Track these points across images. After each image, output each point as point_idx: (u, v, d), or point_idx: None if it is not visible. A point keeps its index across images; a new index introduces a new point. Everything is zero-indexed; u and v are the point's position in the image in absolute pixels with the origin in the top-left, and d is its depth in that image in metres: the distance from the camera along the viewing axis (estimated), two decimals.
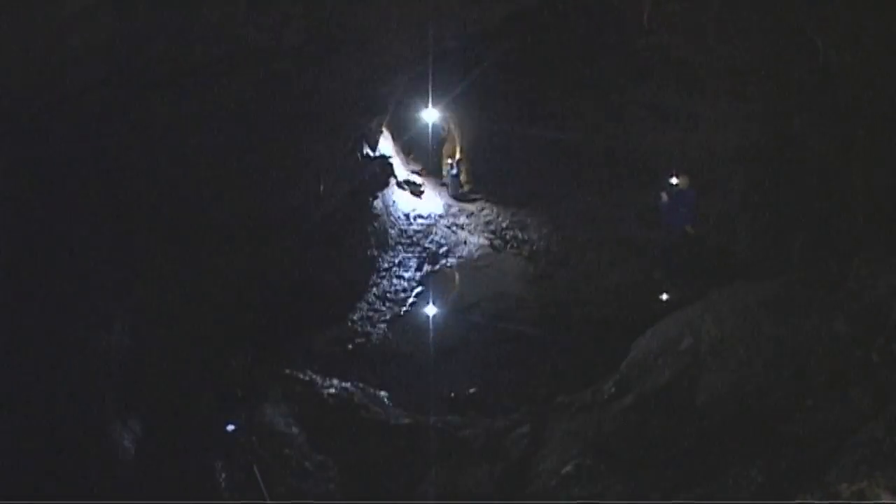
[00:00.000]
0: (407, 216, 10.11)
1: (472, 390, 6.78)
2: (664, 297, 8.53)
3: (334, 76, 6.06)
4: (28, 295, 4.21)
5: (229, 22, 4.59)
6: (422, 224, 10.18)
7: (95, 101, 4.37)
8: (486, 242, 10.30)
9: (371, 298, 8.43)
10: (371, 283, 8.62)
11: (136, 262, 5.69)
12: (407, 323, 8.25)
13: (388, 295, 8.60)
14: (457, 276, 9.43)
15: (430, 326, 8.14)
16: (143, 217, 5.70)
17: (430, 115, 11.30)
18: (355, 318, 8.02)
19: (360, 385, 6.68)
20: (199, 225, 6.13)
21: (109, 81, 4.33)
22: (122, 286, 4.96)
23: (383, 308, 8.35)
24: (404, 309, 8.50)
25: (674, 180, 9.88)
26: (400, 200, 10.23)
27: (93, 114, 4.42)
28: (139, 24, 4.12)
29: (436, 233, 10.11)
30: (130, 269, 5.53)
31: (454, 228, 10.36)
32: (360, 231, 8.65)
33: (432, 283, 9.12)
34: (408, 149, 11.86)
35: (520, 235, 10.49)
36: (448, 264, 9.66)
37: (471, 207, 11.08)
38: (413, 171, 11.43)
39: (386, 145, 9.78)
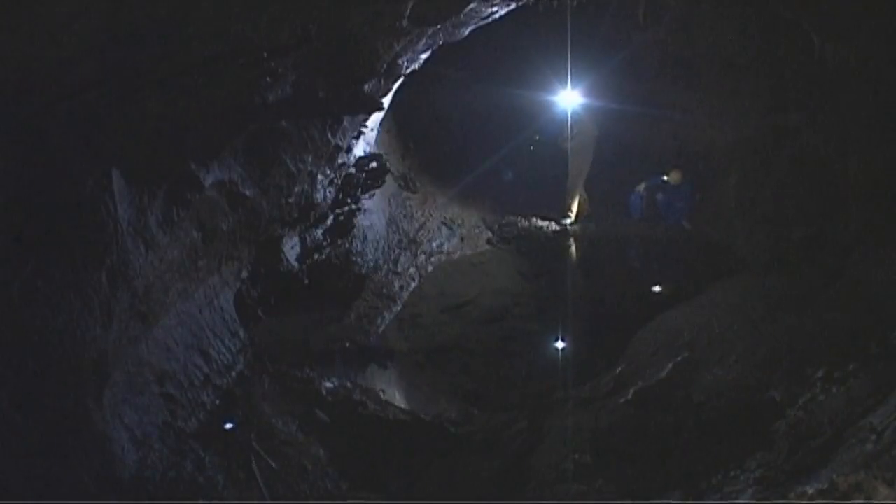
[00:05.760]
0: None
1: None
2: (657, 288, 8.57)
3: (330, 75, 6.06)
4: (25, 292, 4.20)
5: (225, 19, 4.58)
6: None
7: (91, 102, 4.36)
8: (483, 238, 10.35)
9: (369, 297, 8.44)
10: (368, 281, 8.62)
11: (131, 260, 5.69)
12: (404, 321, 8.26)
13: (384, 292, 8.61)
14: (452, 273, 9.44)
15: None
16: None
17: None
18: (353, 316, 8.03)
19: (358, 382, 6.70)
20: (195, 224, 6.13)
21: (105, 81, 4.32)
22: (119, 284, 4.94)
23: (380, 306, 8.36)
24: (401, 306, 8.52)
25: (671, 176, 9.94)
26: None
27: (88, 115, 4.41)
28: (134, 23, 4.11)
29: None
30: (127, 268, 5.51)
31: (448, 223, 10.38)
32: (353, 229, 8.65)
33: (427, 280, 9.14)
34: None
35: (516, 231, 10.52)
36: (442, 260, 9.68)
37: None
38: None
39: (384, 143, 9.82)
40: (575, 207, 10.76)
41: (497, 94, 11.11)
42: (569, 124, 10.53)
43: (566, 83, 10.22)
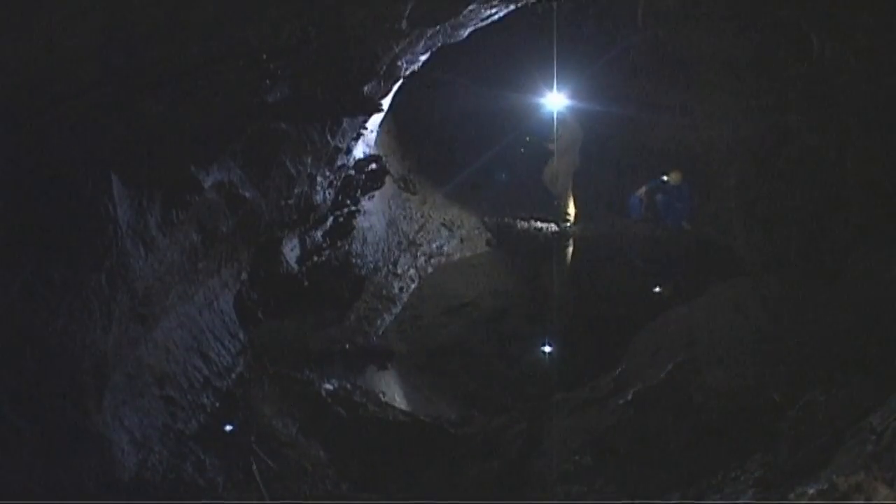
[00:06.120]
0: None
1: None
2: (657, 289, 8.57)
3: (329, 77, 6.06)
4: (25, 294, 4.20)
5: (224, 21, 4.58)
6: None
7: (90, 104, 4.37)
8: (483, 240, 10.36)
9: (368, 298, 8.43)
10: (368, 282, 8.62)
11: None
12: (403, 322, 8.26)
13: (384, 294, 8.61)
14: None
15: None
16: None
17: None
18: (352, 317, 8.02)
19: (358, 384, 6.70)
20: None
21: (104, 83, 4.32)
22: (119, 287, 4.95)
23: (380, 307, 8.36)
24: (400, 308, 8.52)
25: (671, 176, 9.93)
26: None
27: (88, 116, 4.41)
28: (133, 25, 4.11)
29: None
30: (127, 270, 5.51)
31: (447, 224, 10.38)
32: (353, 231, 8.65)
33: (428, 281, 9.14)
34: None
35: (515, 232, 10.53)
36: (442, 262, 9.68)
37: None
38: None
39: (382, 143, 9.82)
40: (572, 209, 10.79)
41: (493, 97, 11.15)
42: (554, 126, 10.63)
43: (552, 86, 10.38)
